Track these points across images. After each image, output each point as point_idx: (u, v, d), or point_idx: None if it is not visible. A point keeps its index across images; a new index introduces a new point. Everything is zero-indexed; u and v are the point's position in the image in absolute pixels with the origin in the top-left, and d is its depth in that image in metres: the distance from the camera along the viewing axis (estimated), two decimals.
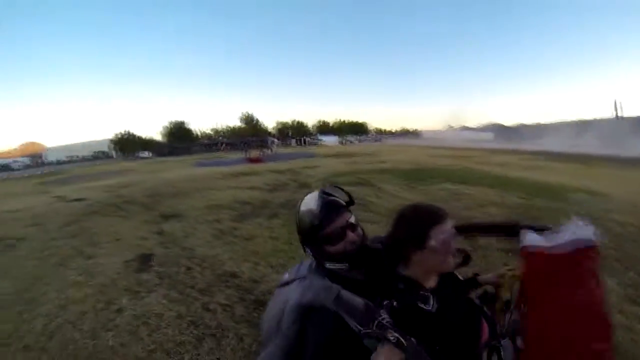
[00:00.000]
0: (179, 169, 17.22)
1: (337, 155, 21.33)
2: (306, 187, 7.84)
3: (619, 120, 19.98)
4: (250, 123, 75.28)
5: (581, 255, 1.09)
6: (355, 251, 1.27)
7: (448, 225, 1.26)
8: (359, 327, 1.06)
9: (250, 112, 76.85)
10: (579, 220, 1.14)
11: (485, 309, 1.43)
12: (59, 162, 68.56)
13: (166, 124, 72.40)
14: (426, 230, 1.23)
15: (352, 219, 1.30)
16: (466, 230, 1.65)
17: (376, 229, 3.79)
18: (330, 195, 1.36)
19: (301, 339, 1.21)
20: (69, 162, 69.41)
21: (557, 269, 1.11)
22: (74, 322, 2.59)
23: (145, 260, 3.78)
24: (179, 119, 75.49)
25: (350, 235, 1.27)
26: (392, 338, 1.00)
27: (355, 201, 1.35)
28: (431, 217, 1.27)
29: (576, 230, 1.12)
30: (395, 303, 1.13)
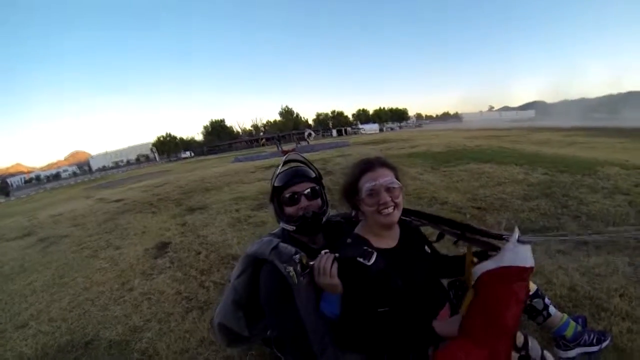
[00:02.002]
0: (216, 167, 17.85)
1: (373, 142, 21.26)
2: (330, 175, 7.99)
3: None
4: (290, 116, 75.94)
5: (513, 276, 1.23)
6: (309, 218, 1.46)
7: (378, 173, 1.35)
8: (284, 267, 1.28)
9: (289, 106, 77.63)
10: (519, 241, 1.32)
11: (451, 294, 1.60)
12: (104, 168, 71.76)
13: (206, 123, 74.04)
14: (357, 180, 1.36)
15: (308, 190, 1.52)
16: (414, 215, 1.82)
17: None
18: (301, 165, 1.66)
19: (250, 289, 1.49)
20: (114, 167, 72.38)
21: (493, 285, 1.23)
22: (92, 299, 3.02)
23: (163, 247, 4.20)
24: (219, 117, 77.17)
25: (304, 202, 1.49)
26: (296, 259, 1.26)
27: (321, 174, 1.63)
28: (361, 166, 1.39)
29: (516, 254, 1.30)
30: (336, 254, 1.25)
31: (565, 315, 1.54)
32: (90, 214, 7.47)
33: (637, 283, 2.30)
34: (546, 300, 1.53)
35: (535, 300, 1.53)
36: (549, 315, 1.51)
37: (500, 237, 1.46)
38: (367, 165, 1.38)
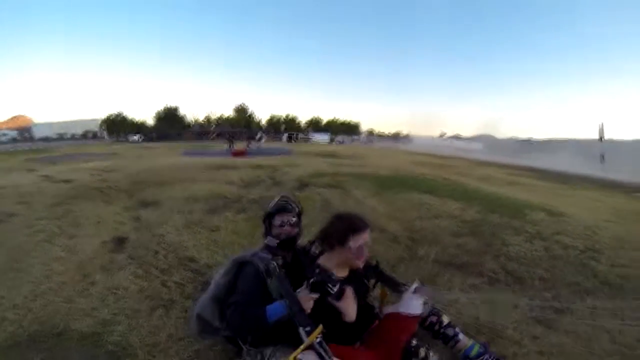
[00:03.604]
0: (166, 157, 17.65)
1: (323, 155, 21.73)
2: (280, 186, 8.43)
3: (603, 142, 20.97)
4: (243, 114, 75.24)
5: (404, 319, 1.95)
6: (286, 240, 2.25)
7: (365, 235, 1.98)
8: (261, 267, 1.93)
9: (244, 104, 76.86)
10: (418, 290, 2.08)
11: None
12: (47, 139, 67.59)
13: (160, 108, 71.77)
14: (349, 234, 1.95)
15: (292, 221, 2.31)
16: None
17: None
18: (288, 201, 2.39)
19: (230, 287, 2.05)
20: (58, 139, 68.38)
21: (389, 321, 2.03)
22: (55, 289, 3.19)
23: (120, 243, 4.38)
24: (173, 104, 74.90)
25: (286, 229, 2.27)
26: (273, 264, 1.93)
27: (303, 210, 2.46)
28: (354, 225, 2.00)
29: (409, 303, 2.00)
30: (311, 280, 1.82)
31: (471, 340, 2.17)
32: (37, 192, 7.29)
33: (529, 318, 2.92)
34: (456, 329, 2.13)
35: (448, 329, 2.12)
36: (458, 340, 2.10)
37: (403, 285, 2.23)
38: (357, 227, 2.00)
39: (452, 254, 4.34)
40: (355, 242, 1.96)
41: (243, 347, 1.84)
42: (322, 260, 2.09)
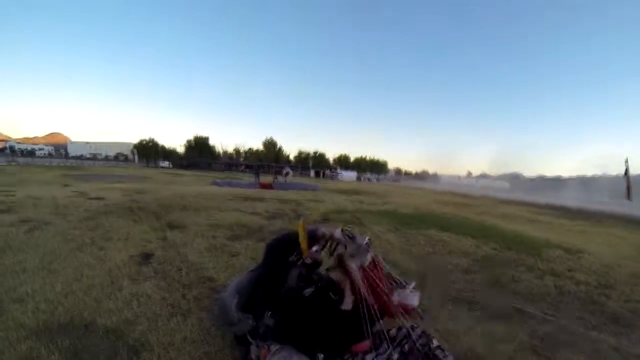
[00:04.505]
0: (194, 185, 18.24)
1: (347, 192, 22.18)
2: (301, 217, 8.62)
3: (628, 176, 20.45)
4: (272, 148, 76.63)
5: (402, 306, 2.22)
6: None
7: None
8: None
9: (273, 138, 78.49)
10: (412, 290, 2.30)
11: None
12: (81, 157, 70.25)
13: (190, 137, 73.85)
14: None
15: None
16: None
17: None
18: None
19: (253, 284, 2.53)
20: (90, 158, 71.04)
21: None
22: (84, 290, 3.46)
23: (147, 257, 4.68)
24: (204, 134, 77.08)
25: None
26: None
27: None
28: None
29: (407, 295, 2.27)
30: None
31: None
32: (71, 205, 7.81)
33: (527, 350, 3.03)
34: (446, 352, 2.28)
35: (437, 351, 2.27)
36: None
37: (401, 282, 2.42)
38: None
39: (459, 289, 4.46)
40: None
41: (252, 342, 2.12)
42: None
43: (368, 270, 2.19)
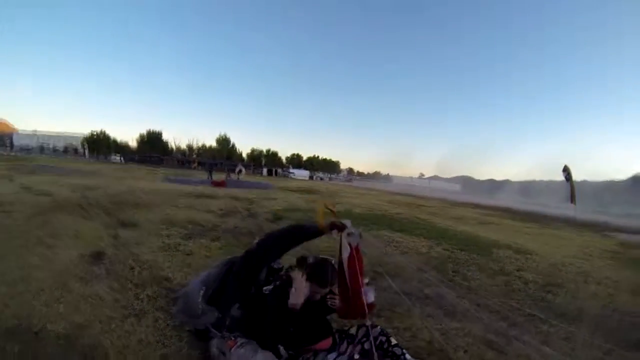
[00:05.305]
0: (146, 181, 17.79)
1: (300, 191, 22.38)
2: (255, 217, 8.75)
3: (570, 182, 21.71)
4: (226, 145, 75.54)
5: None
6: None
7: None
8: None
9: (227, 135, 77.20)
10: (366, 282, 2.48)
11: None
12: (28, 148, 66.68)
13: (143, 131, 71.51)
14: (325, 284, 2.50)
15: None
16: None
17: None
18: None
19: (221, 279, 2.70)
20: (38, 150, 67.53)
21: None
22: (33, 293, 3.34)
23: (98, 257, 4.56)
24: (157, 129, 74.68)
25: None
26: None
27: None
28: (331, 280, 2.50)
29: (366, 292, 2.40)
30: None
31: None
32: (17, 201, 7.42)
33: (480, 343, 3.25)
34: (403, 350, 2.36)
35: (395, 348, 2.36)
36: (406, 359, 2.32)
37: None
38: (320, 285, 2.45)
39: (413, 287, 4.62)
40: (316, 290, 2.46)
41: (216, 334, 2.17)
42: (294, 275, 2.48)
43: (354, 256, 2.39)
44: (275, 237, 2.69)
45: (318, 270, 2.48)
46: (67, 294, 3.41)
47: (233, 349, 2.08)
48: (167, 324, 2.94)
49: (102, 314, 3.06)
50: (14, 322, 2.80)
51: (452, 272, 5.51)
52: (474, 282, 5.09)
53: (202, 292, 2.49)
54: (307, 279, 2.39)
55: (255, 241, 2.77)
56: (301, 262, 2.54)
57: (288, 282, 2.40)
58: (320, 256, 2.77)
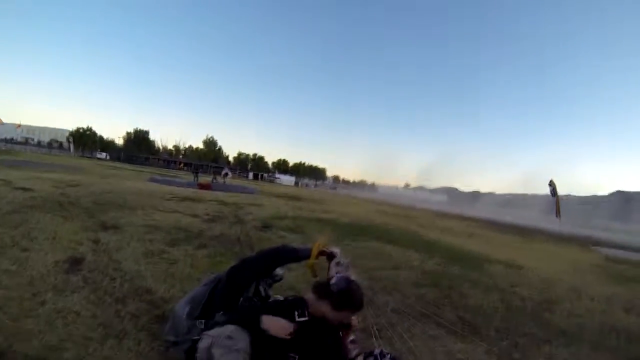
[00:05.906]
0: (131, 180, 17.36)
1: (287, 197, 22.26)
2: (242, 224, 8.43)
3: (556, 197, 21.99)
4: (213, 147, 75.48)
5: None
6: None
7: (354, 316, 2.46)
8: None
9: (214, 137, 77.05)
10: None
11: None
12: (12, 141, 65.62)
13: (130, 130, 71.06)
14: (341, 309, 2.26)
15: None
16: None
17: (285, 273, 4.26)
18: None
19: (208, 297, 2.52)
20: (22, 143, 66.52)
21: None
22: (1, 306, 3.02)
23: (75, 263, 4.24)
24: (145, 127, 74.05)
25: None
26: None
27: None
28: (351, 308, 2.30)
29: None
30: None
31: None
32: None
33: None
34: None
35: None
36: None
37: None
38: (354, 309, 2.31)
39: (411, 304, 4.40)
40: (345, 318, 2.31)
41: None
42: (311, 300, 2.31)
43: None
44: (264, 255, 2.65)
45: (347, 296, 2.27)
46: (38, 306, 3.09)
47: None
48: (152, 348, 2.65)
49: (77, 333, 2.75)
50: None
51: (448, 288, 5.32)
52: (471, 299, 4.91)
53: (187, 309, 2.38)
54: (334, 308, 2.19)
55: (242, 258, 2.76)
56: (320, 289, 2.31)
57: (298, 305, 2.24)
58: (337, 275, 2.47)
